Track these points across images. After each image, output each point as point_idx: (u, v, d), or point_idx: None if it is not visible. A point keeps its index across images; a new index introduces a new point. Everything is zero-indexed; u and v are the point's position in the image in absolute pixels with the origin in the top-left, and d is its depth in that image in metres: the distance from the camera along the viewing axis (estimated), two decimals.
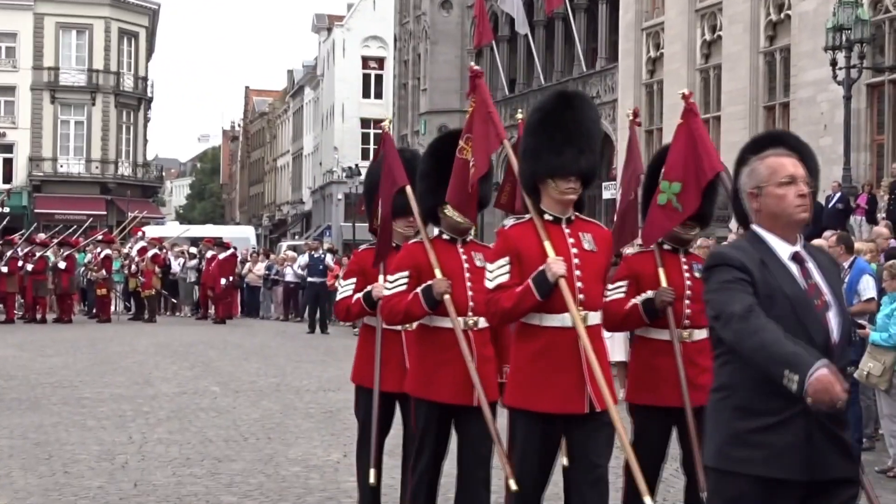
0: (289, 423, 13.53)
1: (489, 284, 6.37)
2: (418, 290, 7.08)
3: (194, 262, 36.29)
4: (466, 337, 6.98)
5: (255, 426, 13.26)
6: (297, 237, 79.72)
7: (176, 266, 36.88)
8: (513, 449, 6.38)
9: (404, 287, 7.15)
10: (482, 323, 7.03)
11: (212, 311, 34.54)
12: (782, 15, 33.09)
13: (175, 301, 37.45)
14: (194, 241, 41.13)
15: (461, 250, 7.28)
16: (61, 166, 67.02)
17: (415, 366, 7.31)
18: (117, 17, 68.26)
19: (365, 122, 76.49)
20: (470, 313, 7.07)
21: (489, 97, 7.33)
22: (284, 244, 57.37)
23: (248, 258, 38.28)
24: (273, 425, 13.36)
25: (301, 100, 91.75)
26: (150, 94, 72.70)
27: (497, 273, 6.33)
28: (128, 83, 69.25)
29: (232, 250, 34.37)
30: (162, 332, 28.36)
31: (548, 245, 6.23)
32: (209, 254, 34.53)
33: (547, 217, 6.39)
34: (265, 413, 14.34)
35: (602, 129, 7.88)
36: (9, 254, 31.17)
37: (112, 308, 34.77)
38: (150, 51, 73.26)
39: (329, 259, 32.42)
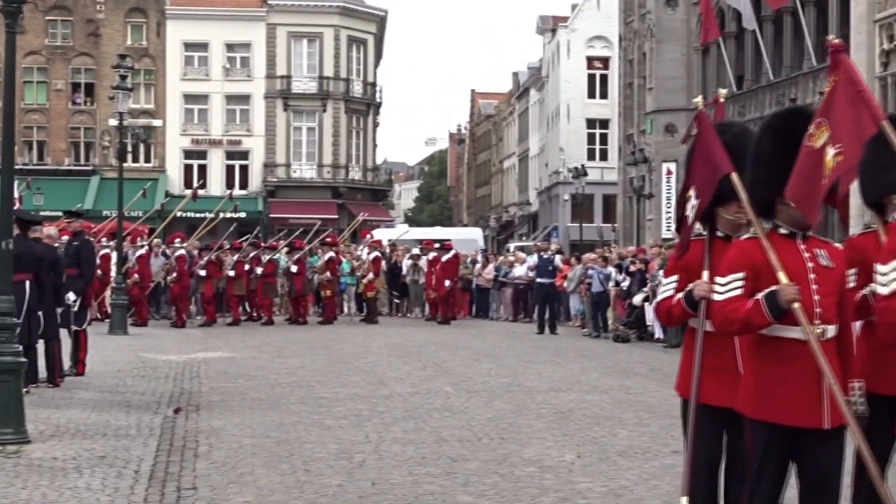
0: (522, 424, 13.57)
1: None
2: (760, 296, 6.09)
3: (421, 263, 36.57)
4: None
5: (488, 426, 13.35)
6: (524, 238, 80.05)
7: (406, 268, 37.31)
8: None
9: (740, 291, 6.18)
10: (830, 332, 6.15)
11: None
12: None
13: (398, 302, 37.83)
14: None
15: (802, 247, 6.28)
16: (294, 172, 68.80)
17: (750, 382, 6.28)
18: (347, 25, 69.71)
19: (590, 123, 76.37)
20: (817, 321, 6.11)
21: (857, 73, 6.28)
22: (512, 245, 57.62)
23: (477, 259, 38.49)
24: (506, 425, 13.42)
25: (526, 101, 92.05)
26: (378, 100, 73.99)
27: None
28: (357, 89, 70.64)
29: (454, 252, 34.59)
30: (394, 334, 28.78)
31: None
32: (431, 256, 34.88)
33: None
34: (498, 413, 14.42)
35: None
36: (235, 258, 32.00)
37: (345, 310, 35.50)
38: (378, 57, 74.54)
39: (558, 260, 32.40)
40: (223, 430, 12.84)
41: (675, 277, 6.99)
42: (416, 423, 13.58)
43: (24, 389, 12.25)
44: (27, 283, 14.72)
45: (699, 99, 7.61)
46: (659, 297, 7.11)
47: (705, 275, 6.17)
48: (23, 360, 11.97)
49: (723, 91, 8.76)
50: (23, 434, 11.42)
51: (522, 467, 10.84)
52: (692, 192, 6.95)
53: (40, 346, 15.62)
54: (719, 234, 6.90)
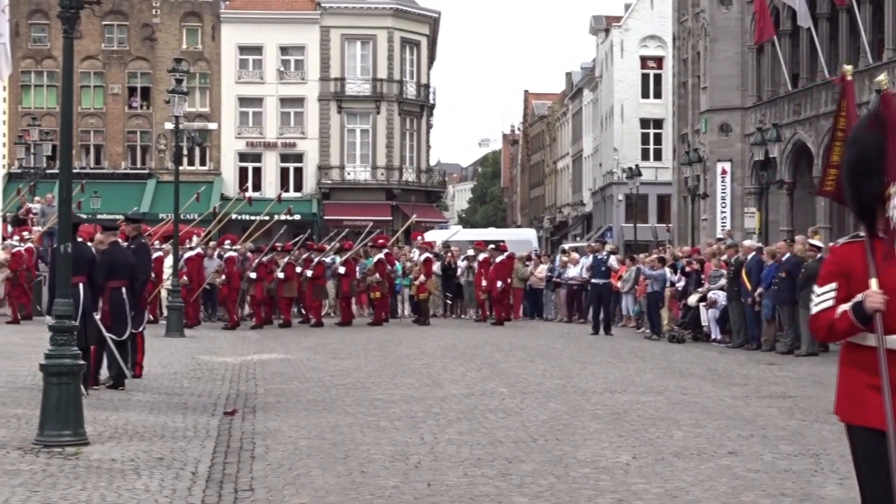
0: (577, 425, 13.56)
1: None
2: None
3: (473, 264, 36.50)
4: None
5: (543, 427, 13.34)
6: (577, 239, 79.88)
7: (461, 269, 37.28)
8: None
9: (831, 303, 6.04)
10: None
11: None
12: None
13: (450, 303, 37.78)
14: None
15: None
16: (348, 174, 69.08)
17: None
18: (400, 27, 69.90)
19: (644, 123, 76.19)
20: None
21: None
22: (566, 246, 57.54)
23: (532, 259, 38.41)
24: (561, 426, 13.41)
25: (580, 102, 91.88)
26: (431, 101, 74.11)
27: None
28: (410, 91, 70.81)
29: (508, 253, 34.54)
30: (448, 335, 28.79)
31: (873, 281, 5.92)
32: (481, 256, 34.87)
33: (881, 235, 6.06)
34: (553, 414, 14.41)
35: None
36: (286, 260, 32.07)
37: (400, 311, 35.56)
38: (431, 58, 74.66)
39: (613, 260, 32.30)
40: (279, 432, 12.91)
41: (833, 286, 6.18)
42: (470, 424, 13.59)
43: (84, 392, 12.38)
44: (81, 285, 14.89)
45: (883, 77, 7.20)
46: (816, 309, 6.27)
47: (874, 283, 5.78)
48: (81, 362, 12.08)
49: (848, 68, 8.35)
50: (82, 436, 11.52)
51: (578, 468, 10.83)
52: (894, 189, 6.07)
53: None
54: (881, 235, 6.17)
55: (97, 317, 15.47)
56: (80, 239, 15.92)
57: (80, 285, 14.86)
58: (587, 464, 11.06)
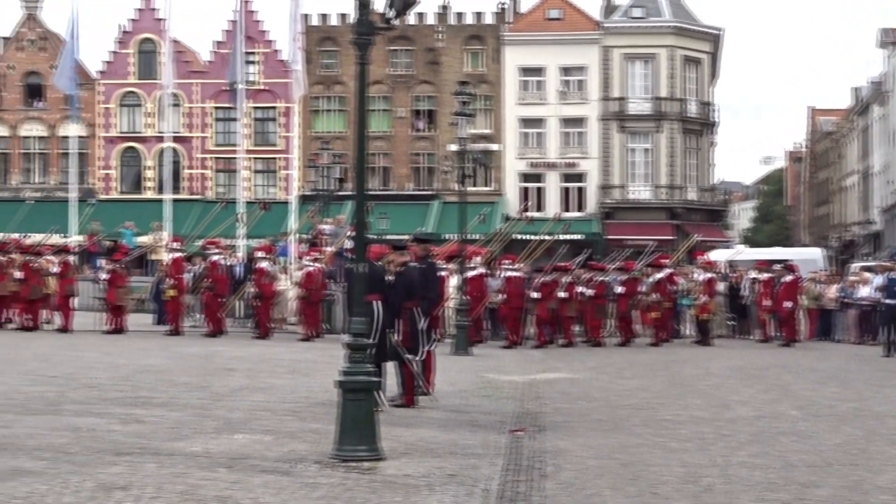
0: (873, 450, 13.14)
1: None
2: None
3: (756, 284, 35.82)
4: None
5: (837, 452, 12.98)
6: (866, 258, 77.35)
7: (745, 289, 36.65)
8: None
9: None
10: None
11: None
12: None
13: (733, 324, 37.10)
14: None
15: None
16: (630, 193, 68.88)
17: None
18: (681, 45, 69.43)
19: None
20: None
21: None
22: (855, 265, 55.78)
23: (823, 280, 37.48)
24: (857, 451, 13.02)
25: (868, 117, 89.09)
26: (713, 119, 73.17)
27: None
28: (692, 109, 70.16)
29: (796, 273, 33.74)
30: (734, 356, 28.34)
31: None
32: (764, 276, 34.21)
33: None
34: (847, 438, 14.00)
35: None
36: (566, 280, 32.02)
37: (683, 331, 35.19)
38: (712, 75, 73.73)
39: None
40: (568, 451, 12.93)
41: None
42: (762, 447, 13.33)
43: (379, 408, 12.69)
44: (376, 303, 15.31)
45: None
46: None
47: None
48: (376, 379, 12.38)
49: None
50: (376, 451, 11.80)
51: (877, 495, 10.49)
52: None
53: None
54: None
55: (397, 337, 15.90)
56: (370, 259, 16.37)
57: (376, 303, 15.29)
58: (887, 490, 10.71)
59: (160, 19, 57.79)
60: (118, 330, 30.94)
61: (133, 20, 71.60)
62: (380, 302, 15.47)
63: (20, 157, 72.02)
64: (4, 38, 73.32)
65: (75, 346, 25.96)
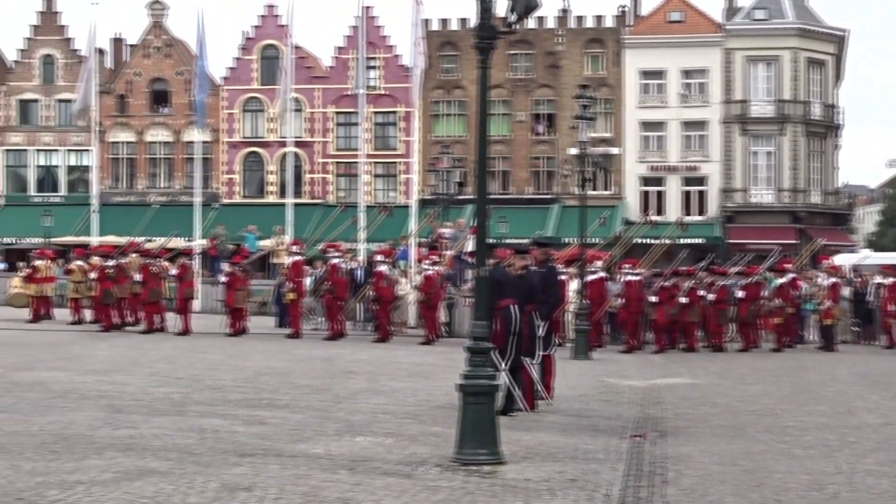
0: None
1: None
2: None
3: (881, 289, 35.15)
4: None
5: None
6: None
7: (870, 294, 35.99)
8: None
9: None
10: None
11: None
12: None
13: (858, 329, 36.44)
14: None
15: None
16: (752, 197, 68.10)
17: None
18: (804, 47, 68.46)
19: None
20: None
21: None
22: None
23: None
24: None
25: None
26: (838, 122, 72.02)
27: None
28: (816, 111, 69.15)
29: None
30: (859, 362, 27.93)
31: None
32: (889, 281, 33.59)
33: None
34: None
35: None
36: (688, 284, 31.69)
37: (807, 336, 34.71)
38: (837, 77, 72.57)
39: None
40: (690, 457, 12.83)
41: None
42: (889, 454, 13.10)
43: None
44: (512, 307, 15.40)
45: None
46: None
47: None
48: (496, 383, 12.38)
49: None
50: (497, 455, 11.81)
51: None
52: None
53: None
54: None
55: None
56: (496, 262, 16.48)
57: (513, 307, 15.39)
58: None
59: (282, 26, 58.36)
60: (239, 332, 31.34)
61: (256, 27, 72.50)
62: (515, 306, 15.52)
63: (146, 162, 73.30)
64: (131, 46, 74.73)
65: (198, 349, 26.36)
